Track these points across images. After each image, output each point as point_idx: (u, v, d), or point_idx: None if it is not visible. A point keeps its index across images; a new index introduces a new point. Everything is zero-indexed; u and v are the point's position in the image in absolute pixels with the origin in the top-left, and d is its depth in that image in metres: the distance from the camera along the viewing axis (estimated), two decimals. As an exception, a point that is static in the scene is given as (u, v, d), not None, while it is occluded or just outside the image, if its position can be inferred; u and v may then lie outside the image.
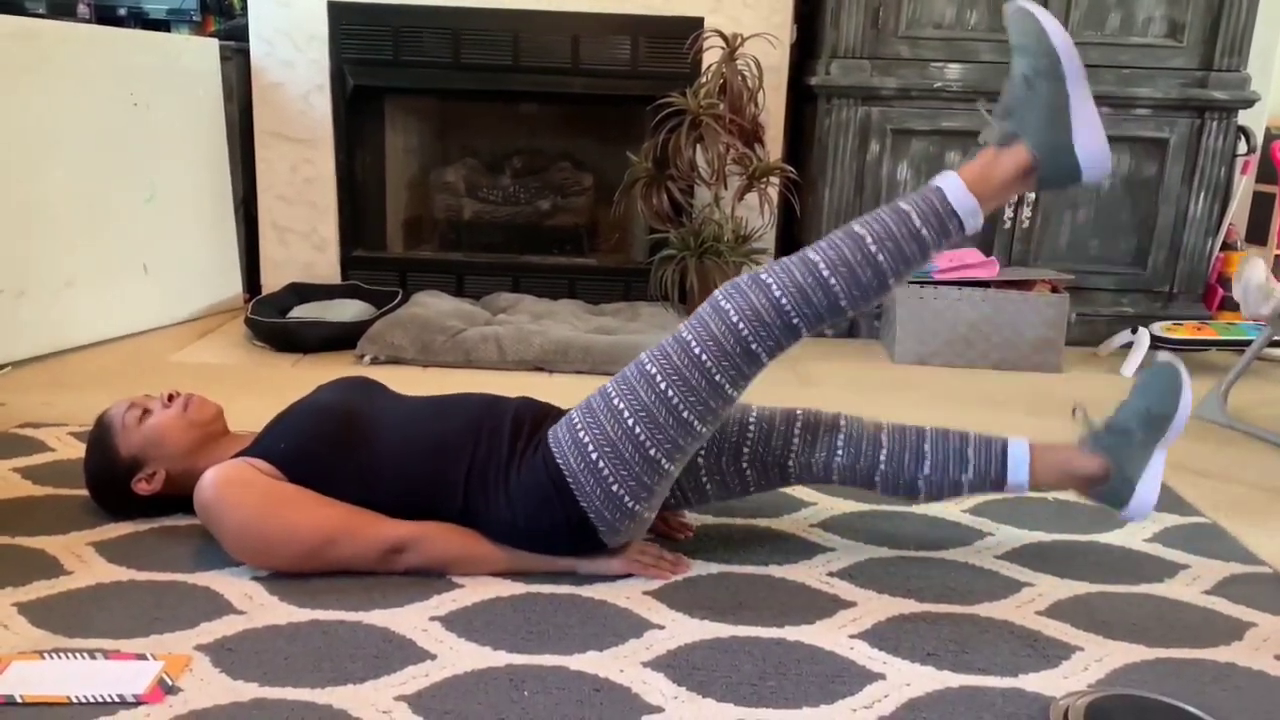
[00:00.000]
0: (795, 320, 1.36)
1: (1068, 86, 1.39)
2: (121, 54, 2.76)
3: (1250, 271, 2.32)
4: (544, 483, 1.39)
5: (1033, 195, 3.01)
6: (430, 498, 1.44)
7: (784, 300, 1.35)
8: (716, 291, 1.40)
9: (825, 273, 1.36)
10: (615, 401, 1.38)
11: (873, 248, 1.36)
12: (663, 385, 1.36)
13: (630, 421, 1.37)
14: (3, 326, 2.43)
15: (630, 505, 1.39)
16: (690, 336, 1.37)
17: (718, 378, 1.36)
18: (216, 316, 3.07)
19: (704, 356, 1.36)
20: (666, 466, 1.39)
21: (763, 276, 1.37)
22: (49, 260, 2.58)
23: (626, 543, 1.47)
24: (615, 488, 1.37)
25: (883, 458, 1.49)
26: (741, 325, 1.35)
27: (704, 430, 1.39)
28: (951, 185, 1.39)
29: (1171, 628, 1.40)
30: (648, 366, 1.38)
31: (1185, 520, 1.80)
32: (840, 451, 1.50)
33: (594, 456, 1.37)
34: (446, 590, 1.41)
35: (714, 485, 1.53)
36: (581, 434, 1.38)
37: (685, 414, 1.37)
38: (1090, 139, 1.40)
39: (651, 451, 1.37)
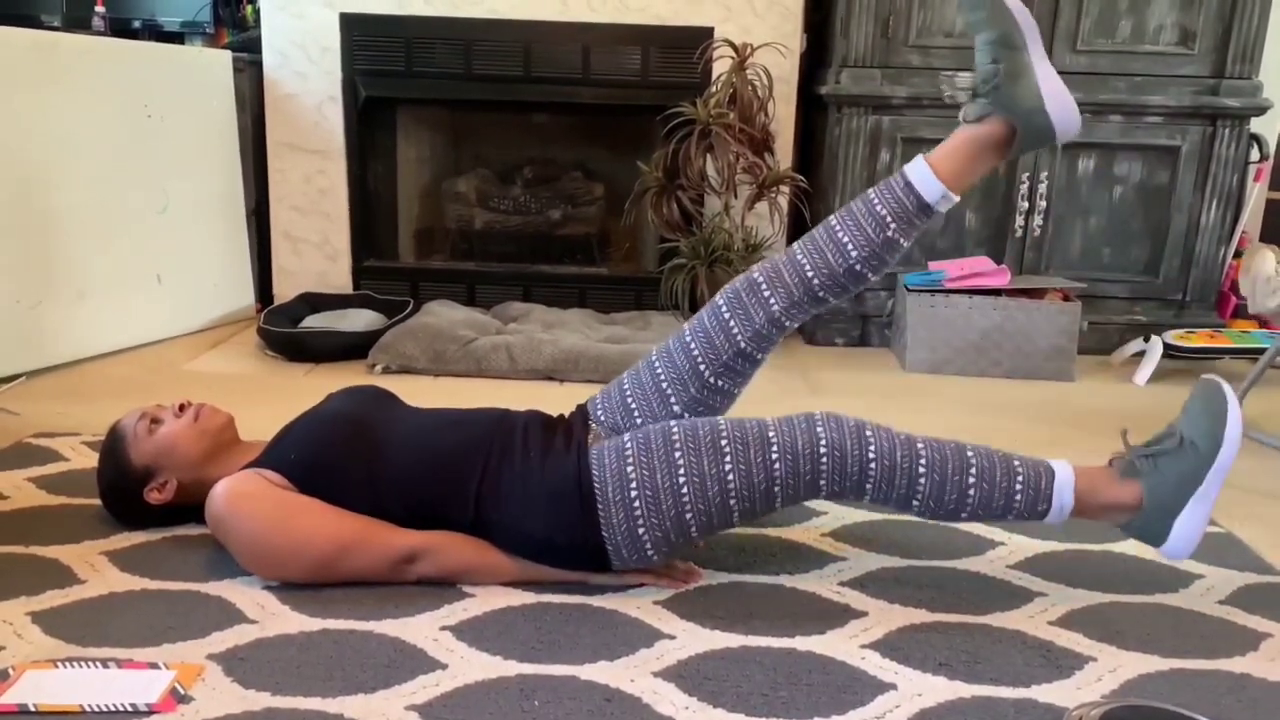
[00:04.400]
0: (868, 487, 1.39)
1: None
2: (136, 66, 2.78)
3: (1259, 264, 2.30)
4: (570, 493, 1.39)
5: (1044, 204, 3.01)
6: (442, 508, 1.44)
7: (872, 466, 1.37)
8: (817, 412, 1.41)
9: (921, 471, 1.39)
10: (676, 454, 1.38)
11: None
12: (728, 468, 1.37)
13: (682, 480, 1.37)
14: (18, 336, 2.45)
15: (649, 551, 1.40)
16: (774, 439, 1.38)
17: (776, 489, 1.38)
18: (229, 326, 3.08)
19: (778, 466, 1.37)
20: (694, 534, 1.40)
21: (865, 432, 1.39)
22: (63, 271, 2.60)
23: None
24: (641, 531, 1.38)
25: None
26: (826, 459, 1.36)
27: (737, 522, 1.41)
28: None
29: (1185, 638, 1.39)
30: (723, 443, 1.38)
31: (1199, 530, 1.78)
32: (771, 299, 1.49)
33: (633, 494, 1.37)
34: (458, 600, 1.41)
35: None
36: (630, 468, 1.38)
37: (733, 502, 1.38)
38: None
39: (688, 516, 1.37)
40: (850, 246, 1.46)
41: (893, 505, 1.40)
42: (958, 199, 1.48)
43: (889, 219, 1.46)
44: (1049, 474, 1.40)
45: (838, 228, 1.48)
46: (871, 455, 1.37)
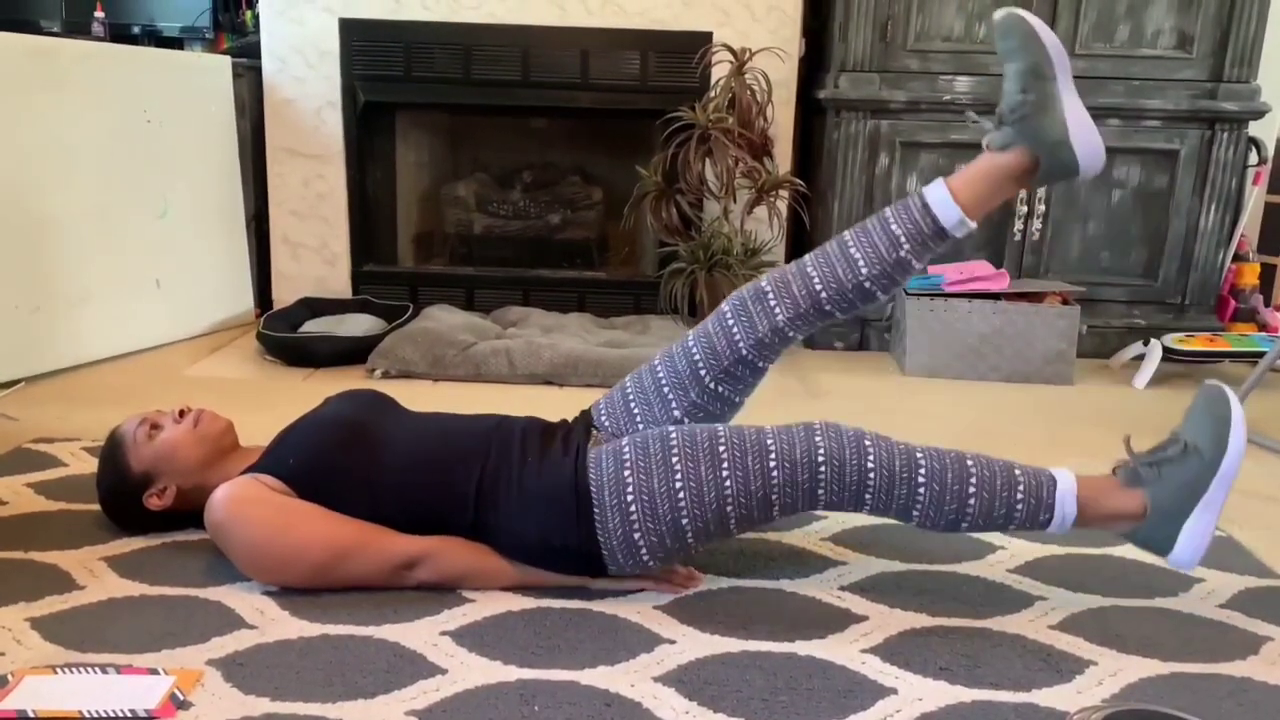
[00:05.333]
0: (868, 497, 1.38)
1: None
2: (135, 71, 2.79)
3: None
4: (567, 496, 1.38)
5: (1043, 208, 3.01)
6: (440, 512, 1.44)
7: (871, 476, 1.36)
8: (816, 421, 1.40)
9: (921, 481, 1.37)
10: (674, 460, 1.37)
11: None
12: (725, 475, 1.36)
13: (679, 486, 1.36)
14: (17, 342, 2.45)
15: (644, 557, 1.39)
16: (773, 447, 1.37)
17: (774, 498, 1.37)
18: (229, 331, 3.08)
19: (776, 474, 1.36)
20: (690, 541, 1.39)
21: (864, 441, 1.37)
22: (63, 276, 2.59)
23: None
24: (637, 536, 1.37)
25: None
26: (824, 469, 1.36)
27: (734, 531, 1.41)
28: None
29: (1186, 642, 1.39)
30: (721, 450, 1.37)
31: (1199, 533, 1.78)
32: (777, 309, 1.47)
33: (629, 499, 1.36)
34: (457, 605, 1.41)
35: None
36: (627, 473, 1.37)
37: (729, 510, 1.37)
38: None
39: (684, 522, 1.37)
40: (862, 263, 1.45)
41: (892, 515, 1.40)
42: (974, 226, 1.46)
43: (903, 239, 1.45)
44: (1050, 483, 1.39)
45: (851, 243, 1.46)
46: (870, 465, 1.36)
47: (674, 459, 1.37)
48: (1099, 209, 3.03)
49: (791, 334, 1.48)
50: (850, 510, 1.40)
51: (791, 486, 1.36)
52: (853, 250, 1.46)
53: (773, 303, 1.47)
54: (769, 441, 1.38)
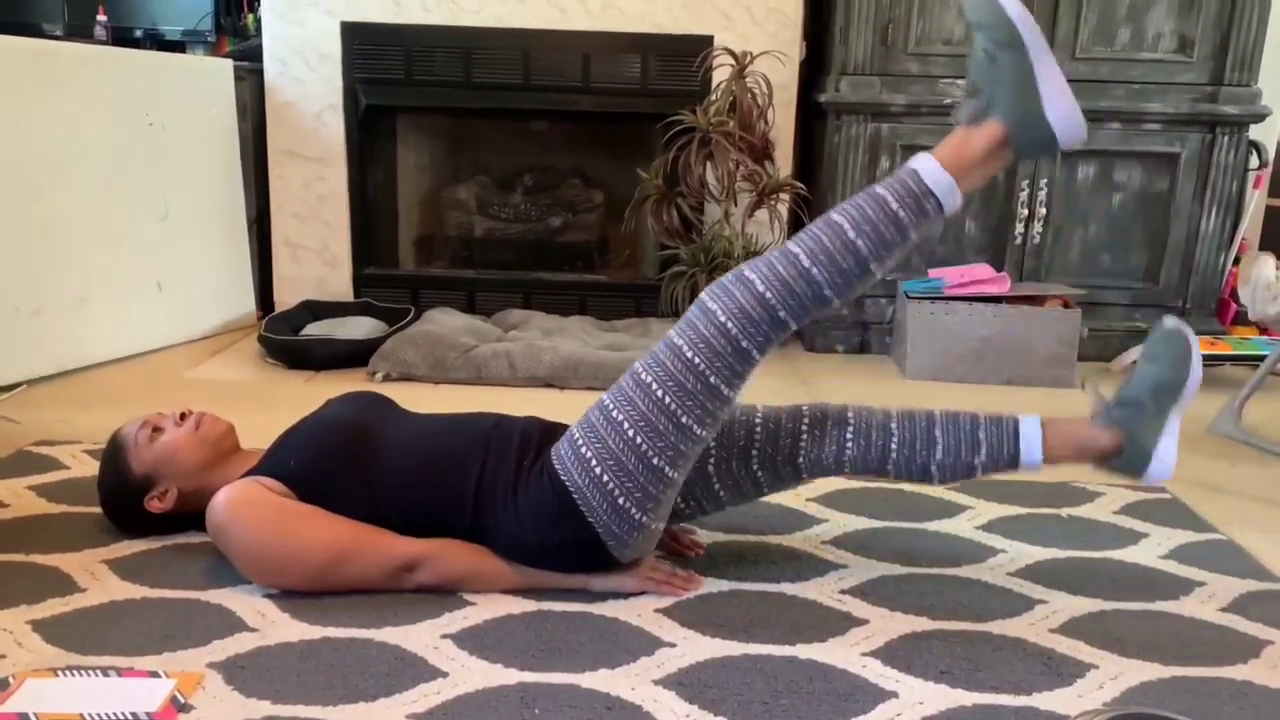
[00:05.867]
0: (782, 314, 1.36)
1: (1030, 55, 1.39)
2: (137, 74, 2.79)
3: (1259, 270, 2.30)
4: (550, 500, 1.39)
5: (1044, 211, 3.01)
6: (439, 514, 1.44)
7: (769, 294, 1.35)
8: (703, 293, 1.39)
9: (806, 263, 1.36)
10: (614, 414, 1.38)
11: (851, 234, 1.36)
12: (659, 392, 1.36)
13: (630, 432, 1.36)
14: (19, 344, 2.45)
15: (637, 517, 1.39)
16: (681, 341, 1.37)
17: (712, 379, 1.36)
18: (230, 334, 3.08)
19: (696, 359, 1.35)
20: (670, 474, 1.39)
21: (746, 273, 1.37)
22: (64, 278, 2.60)
23: (638, 559, 1.47)
24: (621, 500, 1.37)
25: (894, 446, 1.48)
26: (730, 324, 1.35)
27: (704, 434, 1.39)
28: (926, 166, 1.39)
29: (1187, 645, 1.39)
30: (642, 375, 1.38)
31: (1200, 537, 1.78)
32: (850, 444, 1.48)
33: (598, 471, 1.37)
34: (458, 608, 1.41)
35: (727, 491, 1.53)
36: (584, 449, 1.38)
37: (684, 419, 1.36)
38: (1060, 104, 1.39)
39: (654, 460, 1.36)
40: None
41: (812, 308, 1.37)
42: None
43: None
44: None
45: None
46: (761, 288, 1.35)
47: (614, 413, 1.38)
48: (1100, 212, 3.04)
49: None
50: (773, 331, 1.36)
51: (716, 358, 1.35)
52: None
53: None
54: (676, 339, 1.37)
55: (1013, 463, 1.48)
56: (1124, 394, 1.50)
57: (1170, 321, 1.51)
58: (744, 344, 1.36)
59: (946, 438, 1.48)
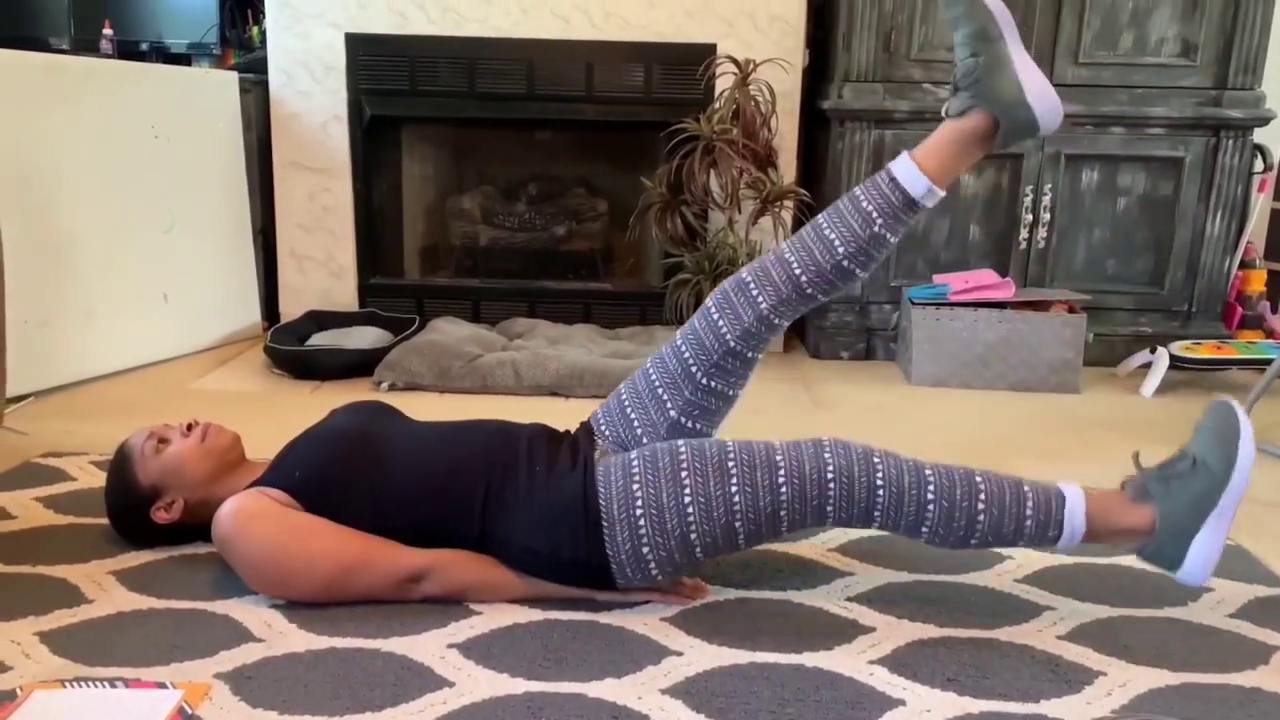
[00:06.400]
0: (876, 514, 1.38)
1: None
2: (143, 87, 2.81)
3: None
4: (576, 510, 1.38)
5: (1048, 216, 3.01)
6: (446, 523, 1.44)
7: (880, 493, 1.37)
8: (824, 438, 1.40)
9: (930, 498, 1.37)
10: (683, 474, 1.37)
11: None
12: (734, 489, 1.36)
13: (687, 500, 1.36)
14: (26, 356, 2.46)
15: (653, 571, 1.39)
16: (781, 463, 1.37)
17: (782, 513, 1.37)
18: (236, 345, 3.09)
19: (785, 490, 1.36)
20: (699, 556, 1.39)
21: (873, 458, 1.38)
22: (71, 290, 2.61)
23: None
24: (645, 550, 1.37)
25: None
26: (833, 485, 1.36)
27: (742, 545, 1.40)
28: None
29: (1195, 652, 1.39)
30: (730, 464, 1.38)
31: (1208, 542, 1.78)
32: (759, 297, 1.48)
33: (638, 513, 1.37)
34: (464, 617, 1.41)
35: (693, 420, 1.52)
36: (635, 486, 1.38)
37: (738, 524, 1.37)
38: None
39: (693, 537, 1.37)
40: (837, 243, 1.46)
41: (901, 532, 1.40)
42: (943, 194, 1.48)
43: (875, 214, 1.46)
44: (1059, 498, 1.39)
45: (825, 225, 1.48)
46: (879, 481, 1.36)
47: (683, 474, 1.37)
48: (1104, 217, 3.03)
49: (777, 321, 1.49)
50: (859, 526, 1.40)
51: (800, 502, 1.36)
52: (827, 232, 1.48)
53: (755, 292, 1.48)
54: (778, 458, 1.38)
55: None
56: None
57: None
58: (828, 509, 1.38)
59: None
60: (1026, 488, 1.40)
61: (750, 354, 1.50)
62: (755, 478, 1.36)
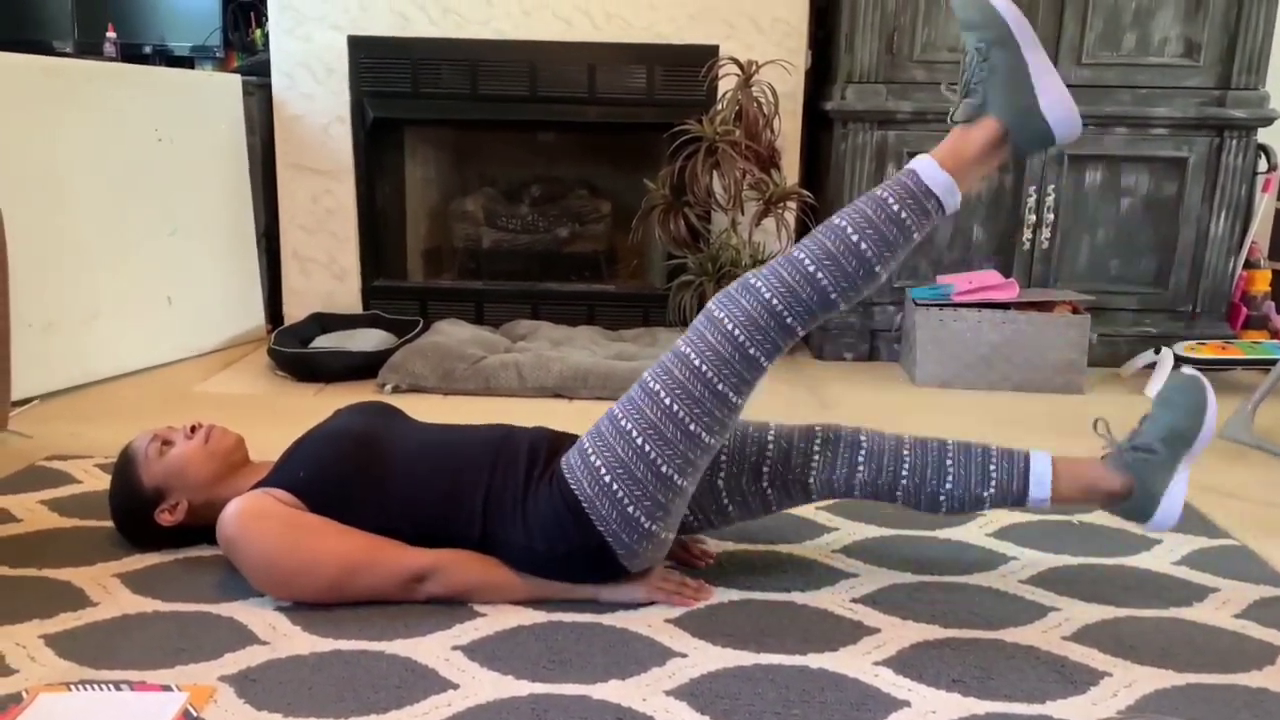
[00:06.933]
0: (789, 319, 1.36)
1: (1023, 52, 1.40)
2: (146, 90, 2.81)
3: None
4: (560, 510, 1.39)
5: (1051, 217, 3.01)
6: (448, 524, 1.44)
7: (775, 301, 1.35)
8: (710, 302, 1.40)
9: (811, 268, 1.36)
10: (623, 423, 1.38)
11: (854, 237, 1.37)
12: (667, 401, 1.36)
13: (640, 441, 1.36)
14: (30, 360, 2.46)
15: (647, 525, 1.39)
16: (689, 350, 1.37)
17: (720, 386, 1.36)
18: (240, 347, 3.10)
19: (704, 367, 1.36)
20: (680, 482, 1.39)
21: (752, 281, 1.38)
22: (75, 294, 2.61)
23: (648, 569, 1.47)
24: (631, 509, 1.37)
25: (905, 472, 1.48)
26: (737, 331, 1.35)
27: (712, 441, 1.39)
28: (924, 166, 1.41)
29: (1201, 652, 1.38)
30: (651, 384, 1.38)
31: (1214, 543, 1.77)
32: (861, 468, 1.49)
33: (607, 479, 1.37)
34: (468, 619, 1.41)
35: (735, 506, 1.53)
36: (593, 459, 1.38)
37: (692, 427, 1.36)
38: (1055, 99, 1.40)
39: (663, 468, 1.36)
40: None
41: (819, 313, 1.37)
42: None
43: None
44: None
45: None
46: (767, 295, 1.35)
47: (623, 422, 1.38)
48: (1108, 217, 3.03)
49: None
50: (781, 336, 1.37)
51: (724, 366, 1.35)
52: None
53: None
54: (684, 348, 1.37)
55: (1020, 500, 1.48)
56: (1137, 439, 1.50)
57: (1189, 370, 1.51)
58: (751, 351, 1.36)
59: (958, 469, 1.48)
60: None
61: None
62: (677, 377, 1.36)
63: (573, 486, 1.39)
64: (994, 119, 1.42)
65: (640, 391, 1.39)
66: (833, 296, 1.37)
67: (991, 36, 1.41)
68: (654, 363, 1.41)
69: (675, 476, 1.37)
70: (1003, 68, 1.41)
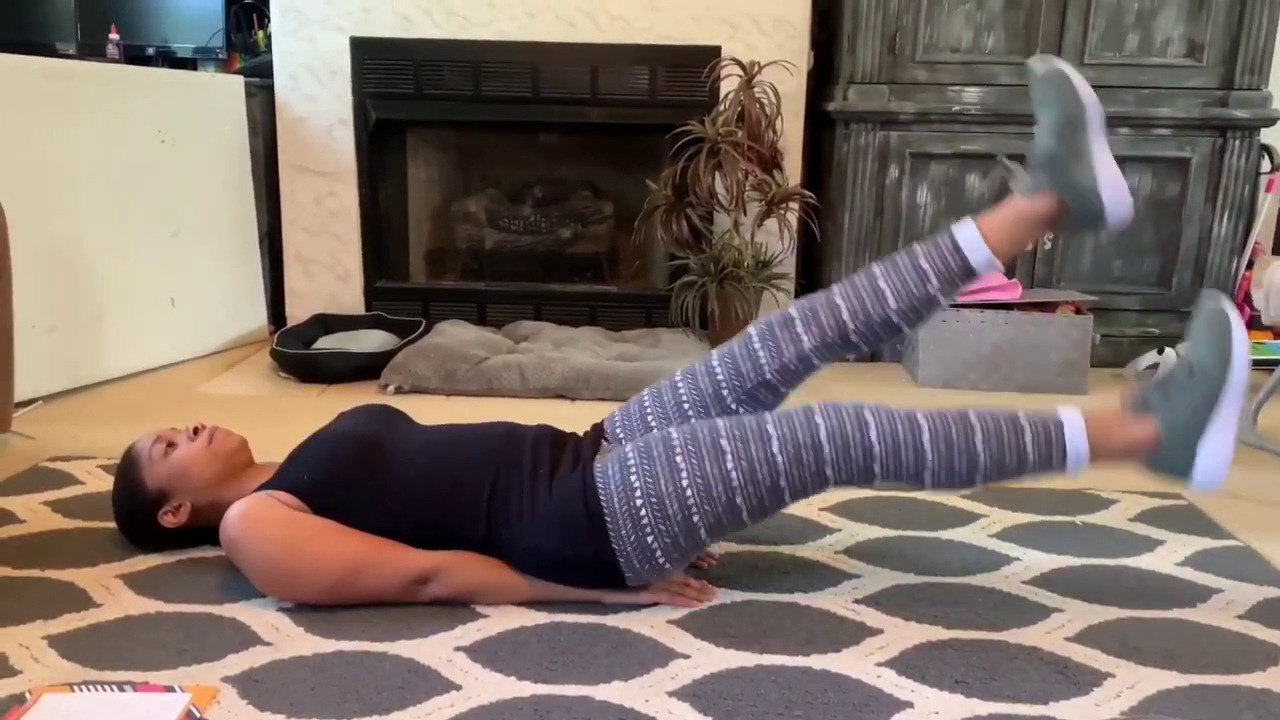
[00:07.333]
0: (875, 469, 1.38)
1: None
2: (149, 92, 2.81)
3: (1273, 275, 2.29)
4: (579, 512, 1.39)
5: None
6: (452, 526, 1.44)
7: (877, 447, 1.37)
8: (821, 405, 1.41)
9: (925, 446, 1.38)
10: (678, 459, 1.38)
11: (980, 449, 1.39)
12: (730, 466, 1.37)
13: (685, 485, 1.37)
14: (33, 361, 2.47)
15: (660, 561, 1.39)
16: (774, 433, 1.38)
17: (782, 483, 1.38)
18: (243, 348, 3.10)
19: (780, 459, 1.37)
20: (704, 537, 1.40)
21: (865, 413, 1.39)
22: (78, 295, 2.62)
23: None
24: (650, 540, 1.37)
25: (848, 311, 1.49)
26: (828, 450, 1.37)
27: (749, 521, 1.41)
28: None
29: (1204, 653, 1.38)
30: (722, 442, 1.38)
31: (1217, 543, 1.77)
32: (804, 336, 1.50)
33: (639, 503, 1.37)
34: (471, 620, 1.41)
35: None
36: (633, 478, 1.38)
37: (738, 500, 1.37)
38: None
39: (695, 519, 1.37)
40: (890, 296, 1.48)
41: (905, 480, 1.40)
42: (1002, 268, 1.51)
43: (932, 276, 1.48)
44: (1057, 425, 1.40)
45: (879, 276, 1.50)
46: (874, 437, 1.37)
47: (678, 458, 1.38)
48: (1111, 218, 3.02)
49: (816, 362, 1.52)
50: (861, 484, 1.40)
51: (798, 468, 1.37)
52: (881, 284, 1.49)
53: (800, 330, 1.50)
54: (770, 428, 1.38)
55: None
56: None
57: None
58: (828, 472, 1.38)
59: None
60: (1024, 419, 1.41)
61: (783, 388, 1.53)
62: (750, 451, 1.37)
63: (602, 495, 1.38)
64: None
65: (710, 439, 1.39)
66: (925, 479, 1.40)
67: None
68: (741, 416, 1.43)
69: (703, 530, 1.38)
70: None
